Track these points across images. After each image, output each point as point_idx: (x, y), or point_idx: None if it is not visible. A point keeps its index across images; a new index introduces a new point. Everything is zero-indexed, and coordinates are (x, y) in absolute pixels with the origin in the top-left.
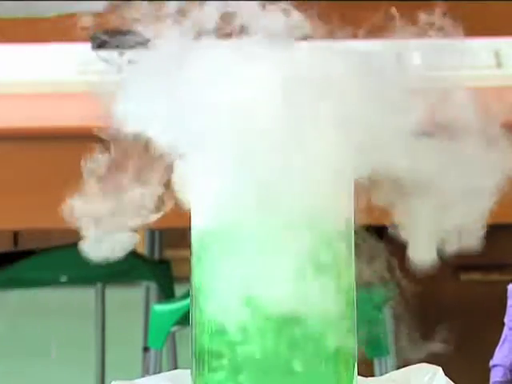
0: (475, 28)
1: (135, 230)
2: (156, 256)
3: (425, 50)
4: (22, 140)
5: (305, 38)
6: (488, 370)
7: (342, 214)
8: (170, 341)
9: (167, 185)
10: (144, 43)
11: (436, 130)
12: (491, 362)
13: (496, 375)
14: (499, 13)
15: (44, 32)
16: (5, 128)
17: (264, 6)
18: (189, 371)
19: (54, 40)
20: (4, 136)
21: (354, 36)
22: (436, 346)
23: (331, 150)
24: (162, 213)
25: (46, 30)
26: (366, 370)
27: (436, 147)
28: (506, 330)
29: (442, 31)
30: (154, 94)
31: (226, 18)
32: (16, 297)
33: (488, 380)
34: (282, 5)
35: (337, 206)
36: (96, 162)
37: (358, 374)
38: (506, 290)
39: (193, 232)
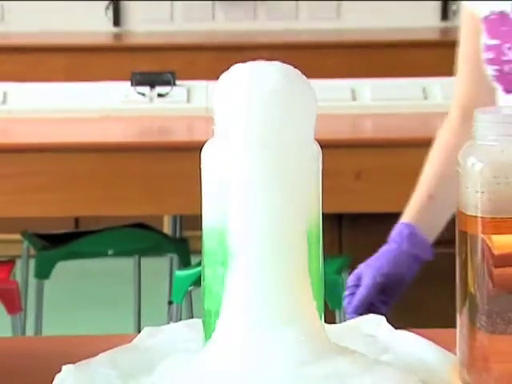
0: (407, 70)
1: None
2: (177, 235)
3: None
4: (79, 151)
5: None
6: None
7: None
8: (187, 297)
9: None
10: (169, 81)
11: None
12: None
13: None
14: (427, 59)
15: (98, 72)
16: (68, 142)
17: None
18: (201, 320)
19: (106, 78)
20: (65, 148)
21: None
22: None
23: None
24: None
25: (100, 71)
26: (330, 318)
27: None
28: None
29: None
30: None
31: None
32: (76, 265)
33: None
34: None
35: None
36: None
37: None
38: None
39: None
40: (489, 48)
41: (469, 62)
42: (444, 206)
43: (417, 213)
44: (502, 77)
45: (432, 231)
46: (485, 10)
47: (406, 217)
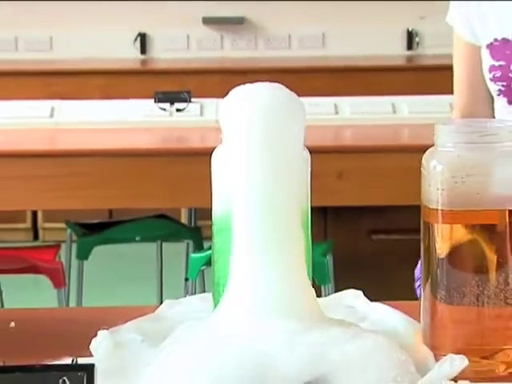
0: (380, 90)
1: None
2: (192, 224)
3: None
4: (112, 155)
5: None
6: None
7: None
8: (200, 275)
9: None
10: (185, 99)
11: None
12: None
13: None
14: (395, 81)
15: (128, 91)
16: (103, 148)
17: None
18: (211, 294)
19: (134, 97)
20: (101, 153)
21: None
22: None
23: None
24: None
25: (129, 90)
26: (317, 293)
27: None
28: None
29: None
30: None
31: None
32: (110, 249)
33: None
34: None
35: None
36: None
37: None
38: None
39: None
40: (495, 68)
41: (465, 81)
42: None
43: None
44: (508, 91)
45: None
46: (488, 38)
47: None
